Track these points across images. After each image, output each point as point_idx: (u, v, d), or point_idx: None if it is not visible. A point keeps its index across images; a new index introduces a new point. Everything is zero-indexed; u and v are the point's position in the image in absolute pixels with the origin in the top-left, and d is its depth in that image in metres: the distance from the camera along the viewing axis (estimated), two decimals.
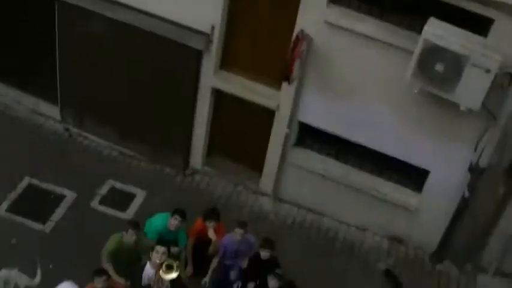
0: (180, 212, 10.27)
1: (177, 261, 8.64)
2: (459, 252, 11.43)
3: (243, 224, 10.35)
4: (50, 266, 10.38)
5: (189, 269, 10.56)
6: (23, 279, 9.40)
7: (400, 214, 11.62)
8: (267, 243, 10.22)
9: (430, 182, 11.17)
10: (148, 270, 8.77)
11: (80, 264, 10.27)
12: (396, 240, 11.92)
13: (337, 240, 11.93)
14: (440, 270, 11.56)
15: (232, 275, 10.62)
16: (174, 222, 10.22)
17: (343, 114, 10.90)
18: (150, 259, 9.01)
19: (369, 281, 11.22)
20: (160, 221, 10.44)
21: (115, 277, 9.51)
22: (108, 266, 9.65)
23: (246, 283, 10.37)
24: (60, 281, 9.31)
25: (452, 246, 11.46)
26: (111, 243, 9.92)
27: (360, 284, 11.16)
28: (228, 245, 10.37)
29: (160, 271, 8.47)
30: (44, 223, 11.27)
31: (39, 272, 9.63)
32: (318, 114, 11.14)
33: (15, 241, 10.84)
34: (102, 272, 9.35)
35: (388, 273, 10.32)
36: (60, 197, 11.72)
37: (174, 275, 8.46)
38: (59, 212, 11.50)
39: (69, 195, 11.77)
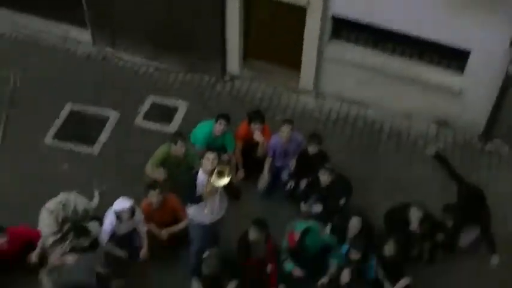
0: (224, 116, 10.30)
1: (227, 167, 8.52)
2: (508, 129, 11.28)
3: (289, 122, 10.35)
4: (104, 188, 10.47)
5: (240, 173, 10.65)
6: (81, 201, 9.47)
7: (445, 97, 11.44)
8: (314, 137, 10.23)
9: (471, 61, 10.89)
10: (201, 178, 8.66)
11: (132, 182, 10.47)
12: (443, 124, 11.79)
13: (384, 131, 11.85)
14: (490, 150, 11.46)
15: (284, 175, 10.69)
16: (219, 127, 10.25)
17: (377, 1, 10.64)
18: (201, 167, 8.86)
19: (420, 167, 11.18)
20: (205, 128, 10.49)
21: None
22: (154, 171, 9.79)
23: (298, 182, 10.44)
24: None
25: (500, 124, 11.31)
26: (157, 154, 10.03)
27: (411, 172, 11.13)
28: (276, 146, 10.39)
29: (212, 178, 8.30)
30: (91, 146, 11.38)
31: (96, 194, 9.79)
32: (351, 4, 10.87)
33: (67, 166, 11.01)
34: (155, 185, 9.49)
35: (439, 157, 10.24)
36: (104, 118, 11.79)
37: (225, 180, 8.28)
38: (105, 133, 11.59)
39: (112, 115, 11.84)
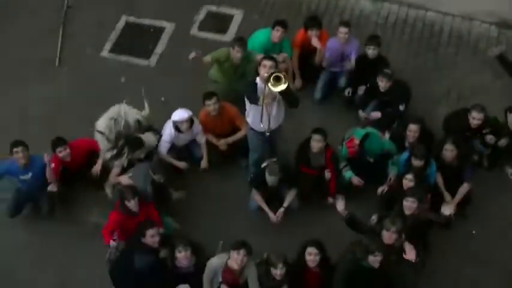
0: (282, 23, 10.21)
1: (284, 73, 8.36)
2: None
3: (346, 24, 10.19)
4: (162, 99, 10.65)
5: (298, 82, 10.62)
6: (132, 112, 9.49)
7: None
8: (373, 39, 10.08)
9: None
10: (260, 86, 8.52)
11: (189, 92, 10.52)
12: (505, 25, 11.42)
13: (444, 32, 11.55)
14: None
15: (341, 82, 10.58)
16: (276, 33, 10.18)
17: None
18: (258, 74, 8.71)
19: (480, 72, 10.95)
20: (263, 36, 10.43)
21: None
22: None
23: (356, 87, 10.32)
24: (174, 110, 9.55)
25: None
26: (218, 51, 10.06)
27: (472, 77, 10.93)
28: (333, 49, 10.27)
29: (269, 84, 8.04)
30: (148, 58, 11.40)
31: (146, 105, 9.75)
32: None
33: (124, 79, 11.10)
34: (211, 94, 9.52)
35: (502, 58, 9.94)
36: (160, 30, 11.73)
37: (283, 86, 8.04)
38: (161, 45, 11.56)
39: (168, 26, 11.77)
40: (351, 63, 10.20)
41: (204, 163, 9.75)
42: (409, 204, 8.31)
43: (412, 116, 9.67)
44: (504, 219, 9.46)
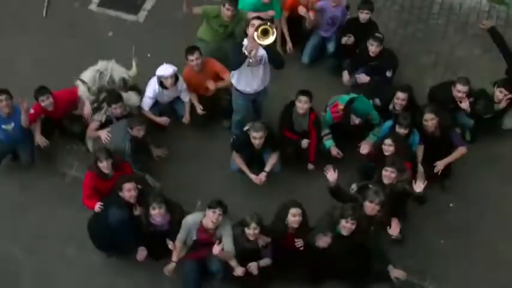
0: None
1: (273, 26, 8.25)
2: None
3: None
4: (148, 55, 10.57)
5: (289, 44, 10.57)
6: (119, 70, 9.45)
7: None
8: (366, 3, 10.01)
9: None
10: (245, 47, 8.44)
11: (177, 50, 10.26)
12: (497, 0, 11.40)
13: (435, 3, 11.54)
14: None
15: (330, 46, 10.57)
16: None
17: None
18: (246, 35, 8.64)
19: (470, 44, 10.96)
20: None
21: None
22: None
23: (343, 55, 10.29)
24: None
25: None
26: (209, 7, 9.99)
27: (461, 49, 10.94)
28: (325, 9, 10.24)
29: (255, 36, 7.96)
30: (136, 13, 11.31)
31: (134, 64, 9.72)
32: None
33: (112, 34, 11.02)
34: (193, 48, 9.43)
35: (494, 32, 9.88)
36: None
37: (271, 39, 7.98)
38: (150, 1, 11.46)
39: None
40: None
41: (186, 118, 9.75)
42: (388, 174, 8.32)
43: (401, 84, 9.63)
44: (483, 193, 9.53)
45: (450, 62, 10.75)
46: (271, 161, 9.25)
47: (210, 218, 8.05)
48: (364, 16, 10.00)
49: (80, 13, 11.25)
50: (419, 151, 9.15)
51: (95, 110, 9.32)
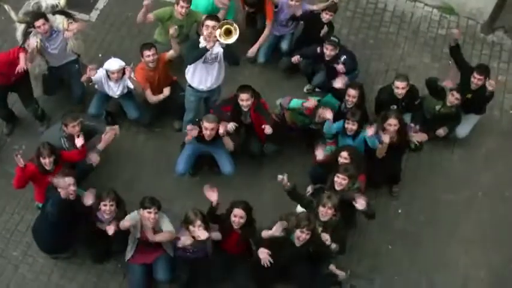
0: None
1: (235, 24, 8.27)
2: None
3: None
4: (100, 55, 10.51)
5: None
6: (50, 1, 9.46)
7: None
8: (333, 6, 9.98)
9: None
10: (202, 46, 8.56)
11: (128, 50, 10.47)
12: (447, 10, 11.55)
13: (387, 11, 11.61)
14: (492, 41, 11.26)
15: (284, 45, 10.54)
16: None
17: None
18: (200, 34, 8.74)
19: (419, 52, 11.08)
20: None
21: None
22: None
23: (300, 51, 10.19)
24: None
25: (505, 16, 11.07)
26: (160, 10, 9.83)
27: (410, 56, 11.06)
28: (283, 7, 10.17)
29: (218, 35, 8.13)
30: (89, 13, 11.17)
31: None
32: None
33: None
34: (150, 44, 9.34)
35: (457, 48, 9.95)
36: None
37: (233, 38, 8.15)
38: (103, 0, 11.34)
39: None
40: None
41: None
42: (340, 181, 8.33)
43: (352, 82, 9.54)
44: (431, 200, 9.67)
45: (401, 69, 10.83)
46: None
47: (146, 218, 7.98)
48: (328, 17, 9.93)
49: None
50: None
51: (25, 35, 9.31)
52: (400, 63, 10.98)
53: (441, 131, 9.71)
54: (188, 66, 8.91)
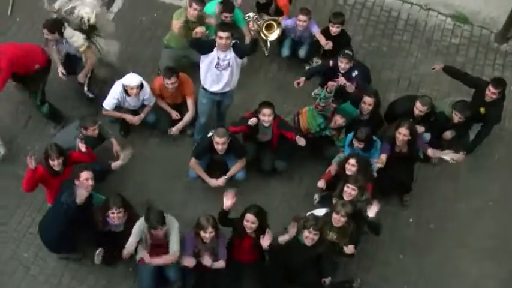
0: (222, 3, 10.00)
1: (276, 18, 8.32)
2: None
3: (306, 12, 10.12)
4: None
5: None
6: (84, 10, 9.45)
7: None
8: (337, 16, 10.12)
9: None
10: (213, 55, 8.68)
11: (141, 55, 10.53)
12: (461, 19, 11.54)
13: (400, 20, 11.61)
14: (506, 50, 11.25)
15: (301, 52, 10.58)
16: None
17: None
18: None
19: (433, 61, 11.00)
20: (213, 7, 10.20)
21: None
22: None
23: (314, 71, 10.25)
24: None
25: None
26: (176, 16, 9.79)
27: (424, 65, 11.00)
28: (290, 29, 10.27)
29: (261, 34, 8.35)
30: None
31: (94, 14, 9.56)
32: None
33: None
34: (172, 72, 9.33)
35: (448, 69, 9.99)
36: None
37: (277, 33, 8.24)
38: (117, 4, 11.33)
39: None
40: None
41: (139, 117, 9.63)
42: (349, 191, 8.35)
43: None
44: (441, 209, 9.66)
45: (413, 77, 10.87)
46: (235, 168, 9.24)
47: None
48: (334, 30, 10.07)
49: (46, 12, 10.83)
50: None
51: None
52: (412, 71, 10.98)
53: (448, 134, 9.74)
54: (201, 69, 8.95)
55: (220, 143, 8.77)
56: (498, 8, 11.30)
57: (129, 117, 9.57)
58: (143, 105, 9.63)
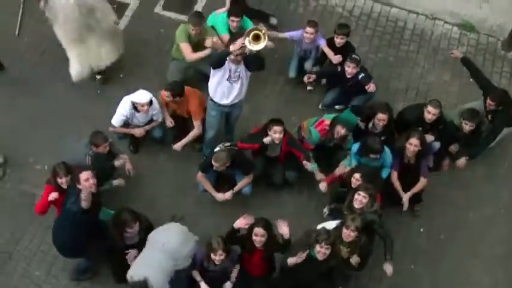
0: (235, 12, 10.07)
1: (264, 28, 8.21)
2: None
3: (313, 24, 10.16)
4: (121, 76, 10.60)
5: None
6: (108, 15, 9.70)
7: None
8: (342, 28, 10.13)
9: None
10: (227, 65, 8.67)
11: (148, 71, 10.57)
12: (467, 28, 11.54)
13: (407, 30, 11.62)
14: None
15: (307, 65, 10.58)
16: (232, 24, 10.07)
17: None
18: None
19: (440, 70, 11.04)
20: (224, 15, 10.28)
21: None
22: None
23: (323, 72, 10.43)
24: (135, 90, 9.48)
25: None
26: (179, 32, 9.87)
27: (431, 74, 11.03)
28: (295, 39, 10.33)
29: (247, 42, 7.98)
30: None
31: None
32: None
33: None
34: (178, 92, 9.38)
35: (466, 61, 9.98)
36: (124, 5, 11.53)
37: (262, 44, 7.98)
38: (124, 20, 11.37)
39: (132, 2, 11.59)
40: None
41: (144, 129, 9.63)
42: (360, 198, 8.30)
43: (381, 105, 9.51)
44: (453, 218, 9.63)
45: (421, 87, 10.86)
46: (242, 182, 9.23)
47: None
48: (339, 41, 10.10)
49: (52, 31, 10.98)
50: (395, 179, 9.15)
51: None
52: (420, 81, 10.97)
53: (453, 147, 9.77)
54: (210, 82, 8.94)
55: (215, 166, 8.77)
56: (504, 15, 11.31)
57: (136, 131, 9.59)
58: (151, 121, 9.66)
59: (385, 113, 9.23)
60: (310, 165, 9.08)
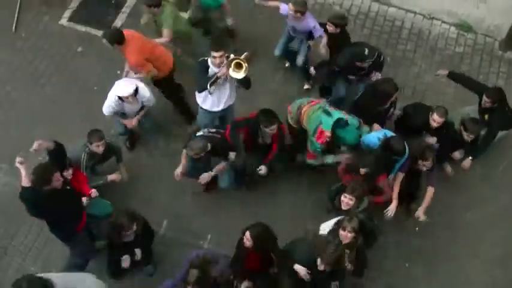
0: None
1: (246, 58, 8.30)
2: None
3: (299, 4, 9.63)
4: (118, 72, 10.52)
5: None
6: None
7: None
8: (336, 16, 9.86)
9: None
10: (211, 70, 8.57)
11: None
12: (465, 28, 11.55)
13: (404, 29, 11.61)
14: (510, 58, 11.23)
15: (299, 60, 10.40)
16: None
17: None
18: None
19: (437, 68, 10.92)
20: None
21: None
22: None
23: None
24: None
25: None
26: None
27: (428, 74, 11.01)
28: (284, 13, 9.91)
29: (230, 71, 8.19)
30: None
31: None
32: None
33: (81, 49, 10.99)
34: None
35: (453, 75, 9.94)
36: (121, 2, 11.57)
37: (243, 73, 8.17)
38: (121, 18, 11.41)
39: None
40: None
41: (135, 120, 9.51)
42: (347, 201, 8.24)
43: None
44: (448, 218, 9.63)
45: (417, 87, 10.87)
46: (219, 165, 9.04)
47: None
48: (330, 28, 9.74)
49: (50, 27, 11.17)
50: (397, 182, 9.00)
51: None
52: (417, 80, 10.97)
53: (457, 154, 9.77)
54: (199, 93, 8.92)
55: (190, 154, 8.59)
56: (502, 15, 11.31)
57: (128, 123, 9.48)
58: (143, 107, 9.51)
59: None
60: (264, 170, 9.01)
